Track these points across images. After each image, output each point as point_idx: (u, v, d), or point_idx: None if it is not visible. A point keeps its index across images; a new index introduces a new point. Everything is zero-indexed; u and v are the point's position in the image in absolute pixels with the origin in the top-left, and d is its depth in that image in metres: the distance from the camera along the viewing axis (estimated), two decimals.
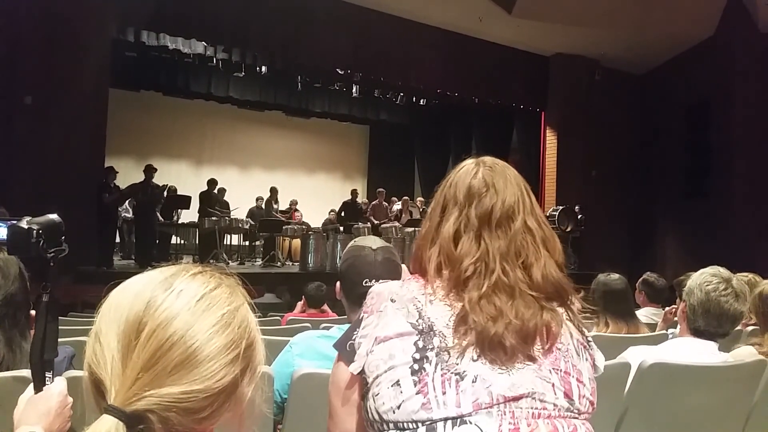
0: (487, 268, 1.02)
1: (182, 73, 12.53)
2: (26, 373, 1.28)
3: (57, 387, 1.02)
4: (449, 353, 0.94)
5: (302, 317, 4.32)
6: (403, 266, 1.80)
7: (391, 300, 1.02)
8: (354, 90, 13.37)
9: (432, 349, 0.95)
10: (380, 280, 1.65)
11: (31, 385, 1.03)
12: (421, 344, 0.95)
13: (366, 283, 1.64)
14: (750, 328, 2.83)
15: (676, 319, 2.55)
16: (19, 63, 7.76)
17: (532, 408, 0.93)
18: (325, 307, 4.63)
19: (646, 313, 3.69)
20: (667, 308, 3.37)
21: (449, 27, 11.07)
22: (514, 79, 12.18)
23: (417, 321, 0.98)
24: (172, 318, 0.71)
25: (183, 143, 14.17)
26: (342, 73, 11.98)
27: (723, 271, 2.00)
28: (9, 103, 7.75)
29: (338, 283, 1.76)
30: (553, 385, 0.95)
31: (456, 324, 0.97)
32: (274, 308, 5.67)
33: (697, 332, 1.99)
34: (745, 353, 2.20)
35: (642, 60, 12.33)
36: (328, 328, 1.81)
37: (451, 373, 0.93)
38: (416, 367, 0.94)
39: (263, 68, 12.02)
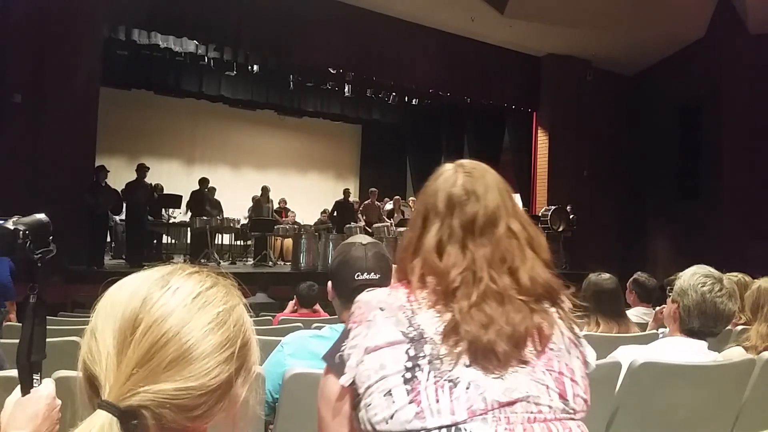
0: (474, 276, 1.00)
1: (174, 71, 12.45)
2: (13, 374, 1.26)
3: (45, 389, 1.00)
4: (441, 360, 0.93)
5: (294, 317, 4.31)
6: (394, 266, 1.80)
7: (380, 309, 1.00)
8: (346, 89, 13.35)
9: (424, 357, 0.93)
10: (372, 273, 1.65)
11: (19, 387, 1.00)
12: (412, 352, 0.94)
13: (358, 276, 1.63)
14: (739, 327, 2.85)
15: None
16: (9, 61, 7.70)
17: (527, 412, 0.92)
18: (317, 306, 4.62)
19: (636, 313, 3.71)
20: (657, 308, 3.38)
21: (442, 27, 11.08)
22: (507, 79, 12.21)
23: (407, 329, 0.96)
24: (167, 315, 0.71)
25: (174, 142, 14.09)
26: (334, 72, 11.96)
27: (714, 271, 2.01)
28: None
29: (329, 283, 1.74)
30: (547, 387, 0.95)
31: (446, 334, 0.95)
32: (266, 308, 5.65)
33: (691, 332, 1.99)
34: (735, 353, 2.22)
35: (633, 61, 12.39)
36: (319, 328, 1.80)
37: (444, 380, 0.92)
38: (408, 375, 0.92)
39: (255, 67, 11.98)
